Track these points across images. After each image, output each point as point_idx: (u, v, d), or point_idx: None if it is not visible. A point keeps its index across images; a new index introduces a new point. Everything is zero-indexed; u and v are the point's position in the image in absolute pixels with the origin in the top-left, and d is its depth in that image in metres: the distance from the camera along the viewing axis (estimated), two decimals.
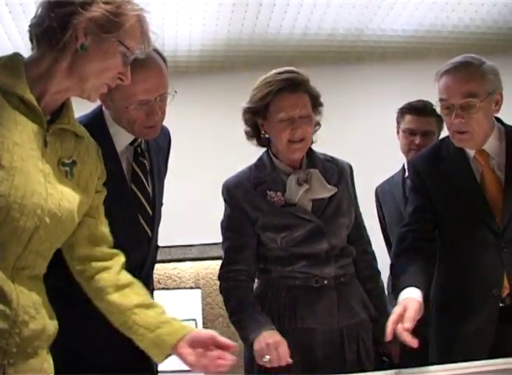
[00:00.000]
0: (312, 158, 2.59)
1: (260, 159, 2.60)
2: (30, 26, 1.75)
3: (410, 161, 2.84)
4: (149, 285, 2.41)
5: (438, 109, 2.55)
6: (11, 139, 1.59)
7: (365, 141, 5.72)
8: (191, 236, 5.56)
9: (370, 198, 4.24)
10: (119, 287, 1.91)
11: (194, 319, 7.11)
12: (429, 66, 5.81)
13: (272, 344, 2.23)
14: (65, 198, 1.70)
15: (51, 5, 1.71)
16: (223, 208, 2.62)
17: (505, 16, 5.39)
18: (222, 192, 2.59)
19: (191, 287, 6.97)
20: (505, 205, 2.49)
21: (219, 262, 7.14)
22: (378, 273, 2.71)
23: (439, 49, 5.86)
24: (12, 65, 1.68)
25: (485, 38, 5.73)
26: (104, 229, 1.97)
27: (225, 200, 2.58)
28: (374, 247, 2.77)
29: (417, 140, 3.48)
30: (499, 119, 2.63)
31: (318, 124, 2.60)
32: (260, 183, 2.52)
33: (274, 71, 2.54)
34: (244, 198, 2.51)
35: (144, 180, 2.31)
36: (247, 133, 2.63)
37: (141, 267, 2.31)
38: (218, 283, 5.79)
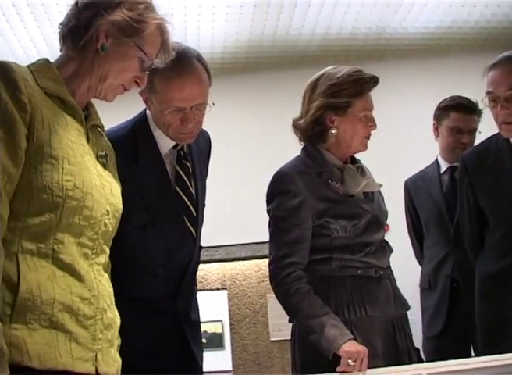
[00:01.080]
0: (352, 156, 2.64)
1: (307, 151, 2.58)
2: (59, 26, 1.85)
3: (461, 155, 2.90)
4: (194, 285, 2.45)
5: (485, 101, 2.64)
6: (68, 137, 1.71)
7: (387, 137, 5.72)
8: (218, 237, 5.58)
9: (396, 196, 4.25)
10: None
11: (221, 320, 7.14)
12: (452, 62, 5.86)
13: (361, 353, 2.28)
14: (114, 187, 1.82)
15: (78, 8, 1.81)
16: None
17: None
18: (281, 180, 2.50)
19: (217, 289, 7.00)
20: None
21: (245, 262, 7.18)
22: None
23: (462, 45, 5.85)
24: (48, 70, 1.77)
25: (508, 33, 5.69)
26: None
27: (286, 189, 2.46)
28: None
29: (465, 138, 3.46)
30: None
31: None
32: (320, 173, 2.52)
33: (349, 69, 2.54)
34: (309, 187, 2.46)
35: (188, 182, 2.35)
36: (305, 130, 2.57)
37: (187, 267, 2.35)
38: (244, 283, 5.79)
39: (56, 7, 4.60)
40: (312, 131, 2.55)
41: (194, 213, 2.35)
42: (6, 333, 1.51)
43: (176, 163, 2.34)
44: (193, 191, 2.36)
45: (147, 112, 2.34)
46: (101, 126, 1.92)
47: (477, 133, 3.51)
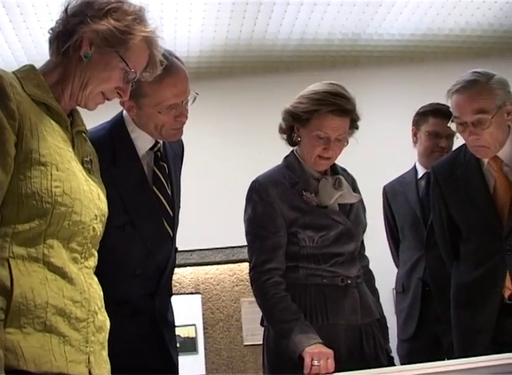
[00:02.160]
0: (335, 166, 2.67)
1: (287, 161, 2.66)
2: (49, 31, 1.86)
3: (432, 165, 2.94)
4: (170, 286, 2.48)
5: (453, 126, 2.67)
6: (55, 144, 1.72)
7: (363, 144, 5.75)
8: (192, 241, 5.58)
9: (369, 201, 4.28)
10: None
11: (194, 325, 7.12)
12: (426, 70, 5.92)
13: (325, 354, 2.33)
14: (100, 191, 1.84)
15: (67, 14, 1.83)
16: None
17: (500, 19, 5.44)
18: (256, 189, 2.58)
19: (191, 293, 6.99)
20: (511, 211, 2.60)
21: (219, 267, 7.16)
22: (374, 277, 2.81)
23: (436, 53, 5.91)
24: (34, 76, 1.79)
25: (481, 41, 5.77)
26: None
27: (259, 198, 2.55)
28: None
29: (443, 142, 3.51)
30: None
31: (347, 141, 2.65)
32: (295, 183, 2.57)
33: (326, 87, 2.55)
34: (281, 197, 2.54)
35: (165, 183, 2.39)
36: (281, 129, 2.67)
37: (165, 267, 2.38)
38: (218, 287, 5.80)
39: (32, 8, 4.58)
40: (283, 132, 2.65)
41: (171, 214, 2.39)
42: (1, 338, 1.52)
43: (154, 164, 2.38)
44: (169, 192, 2.40)
45: (124, 113, 2.37)
46: (86, 132, 1.93)
47: (455, 138, 3.55)
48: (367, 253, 2.79)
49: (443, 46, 5.81)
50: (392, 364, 2.65)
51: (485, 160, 2.66)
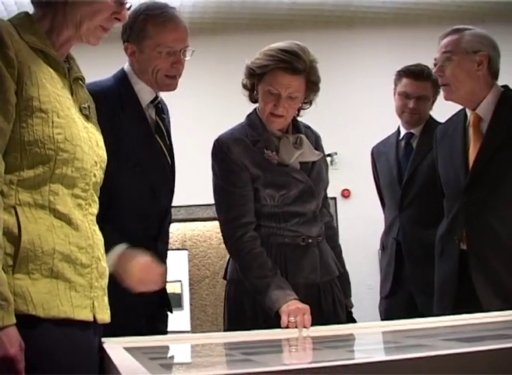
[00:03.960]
0: (297, 125, 2.68)
1: (249, 119, 2.65)
2: None
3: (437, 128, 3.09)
4: (167, 235, 2.54)
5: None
6: (54, 91, 1.72)
7: (355, 104, 5.75)
8: (180, 197, 5.59)
9: (358, 162, 4.31)
10: None
11: (180, 281, 7.18)
12: (419, 32, 5.91)
13: (301, 310, 2.35)
14: (99, 139, 1.85)
15: None
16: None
17: None
18: (218, 147, 2.59)
19: (178, 249, 7.03)
20: (475, 163, 2.70)
21: (206, 223, 7.14)
22: (337, 232, 2.84)
23: (430, 16, 5.88)
24: (30, 24, 1.77)
25: (476, 6, 5.76)
26: None
27: (224, 155, 2.56)
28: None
29: (411, 103, 3.52)
30: (507, 88, 2.80)
31: (310, 103, 2.64)
32: (256, 142, 2.59)
33: (282, 45, 2.54)
34: (244, 154, 2.54)
35: (165, 134, 2.50)
36: (244, 86, 2.67)
37: (167, 210, 2.49)
38: (204, 244, 5.83)
39: None
40: (245, 89, 2.64)
41: (170, 162, 2.49)
42: (10, 284, 1.54)
43: (156, 115, 2.47)
44: (168, 142, 2.50)
45: (126, 68, 2.47)
46: (83, 79, 1.92)
47: (431, 101, 3.56)
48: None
49: (438, 9, 5.79)
50: (351, 319, 2.71)
51: (468, 117, 2.75)
